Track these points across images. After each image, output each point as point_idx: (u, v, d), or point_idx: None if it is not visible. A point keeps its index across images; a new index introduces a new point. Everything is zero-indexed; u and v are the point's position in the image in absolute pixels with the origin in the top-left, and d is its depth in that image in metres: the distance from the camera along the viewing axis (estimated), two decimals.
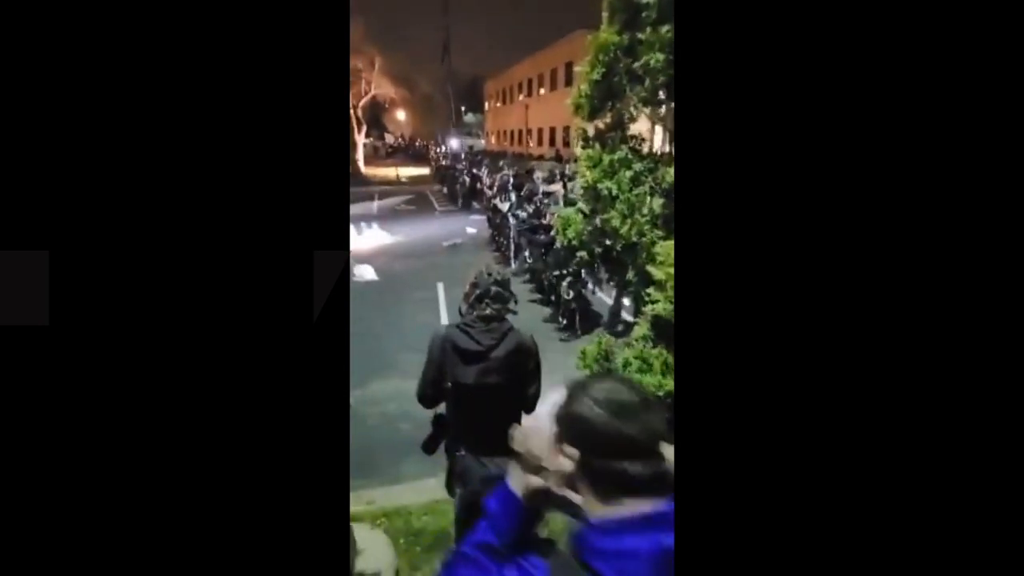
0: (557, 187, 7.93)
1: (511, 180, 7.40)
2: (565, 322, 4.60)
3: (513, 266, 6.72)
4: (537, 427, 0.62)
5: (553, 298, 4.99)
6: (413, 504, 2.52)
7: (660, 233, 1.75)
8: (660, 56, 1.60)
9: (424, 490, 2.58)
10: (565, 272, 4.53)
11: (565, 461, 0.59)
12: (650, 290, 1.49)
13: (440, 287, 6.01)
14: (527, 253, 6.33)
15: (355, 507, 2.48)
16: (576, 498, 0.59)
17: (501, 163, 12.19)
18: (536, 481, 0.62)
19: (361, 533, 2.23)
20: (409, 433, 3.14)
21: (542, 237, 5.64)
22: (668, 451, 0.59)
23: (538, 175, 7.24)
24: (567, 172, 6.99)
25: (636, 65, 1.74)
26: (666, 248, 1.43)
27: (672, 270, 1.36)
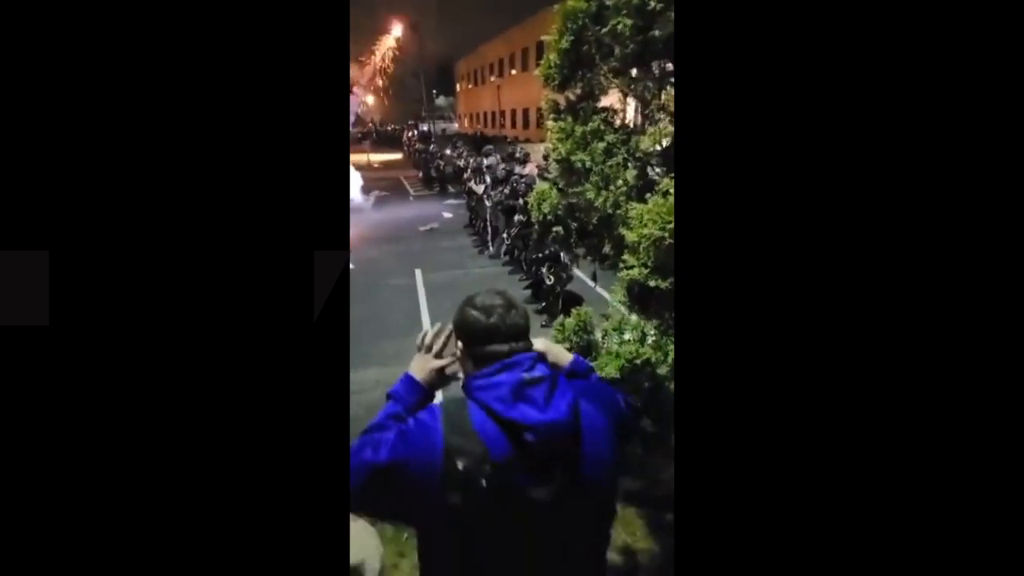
0: (530, 168, 7.85)
1: (484, 162, 7.30)
2: (544, 304, 4.61)
3: (491, 248, 6.68)
4: (438, 330, 0.89)
5: (531, 281, 4.98)
6: None
7: (635, 204, 1.74)
8: (627, 21, 1.57)
9: None
10: (543, 255, 4.51)
11: (454, 350, 0.82)
12: (624, 256, 1.49)
13: (418, 273, 5.93)
14: (505, 235, 6.28)
15: None
16: (460, 372, 0.83)
17: (459, 144, 11.99)
18: (434, 364, 0.86)
19: None
20: None
21: (518, 217, 5.60)
22: (537, 343, 0.81)
23: (493, 158, 7.14)
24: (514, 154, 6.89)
25: (604, 32, 1.70)
26: (639, 211, 1.43)
27: (645, 231, 1.36)
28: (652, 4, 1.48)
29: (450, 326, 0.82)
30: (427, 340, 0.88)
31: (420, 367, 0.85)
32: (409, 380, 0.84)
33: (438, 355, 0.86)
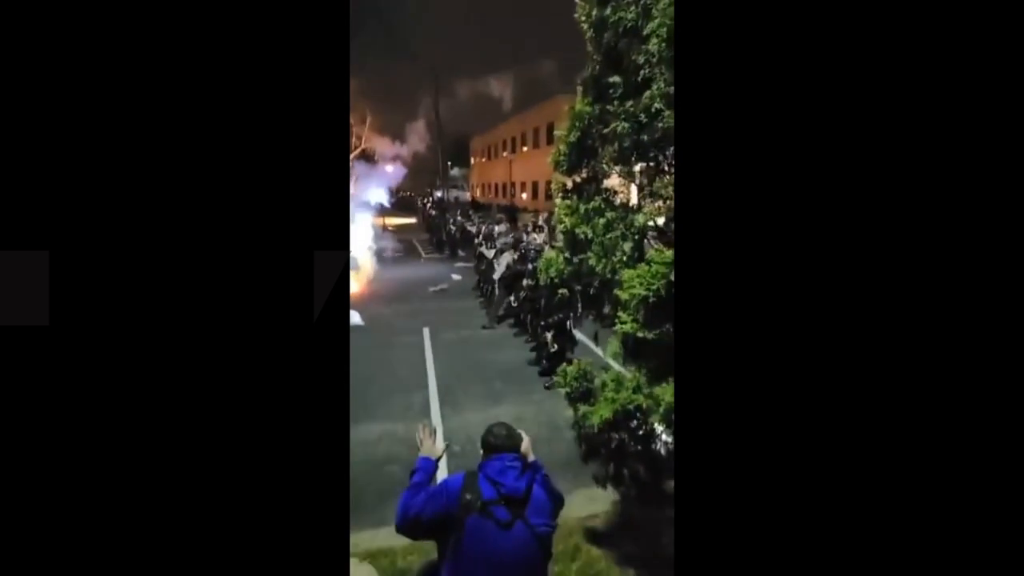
0: (541, 237, 8.31)
1: (495, 229, 7.75)
2: (547, 365, 4.76)
3: (487, 315, 6.90)
4: (424, 428, 1.63)
5: (536, 343, 5.17)
6: (398, 545, 2.53)
7: (628, 270, 1.99)
8: (626, 125, 1.92)
9: None
10: (549, 322, 4.75)
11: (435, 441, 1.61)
12: (619, 313, 1.72)
13: (426, 331, 6.14)
14: (511, 298, 6.54)
15: None
16: (440, 451, 1.60)
17: (471, 214, 12.78)
18: (430, 446, 1.57)
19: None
20: (395, 475, 3.18)
21: (527, 282, 5.89)
22: (525, 442, 1.51)
23: (503, 226, 7.66)
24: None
25: (606, 131, 2.06)
26: (629, 275, 1.67)
27: (634, 291, 1.60)
28: (642, 117, 1.83)
29: (433, 424, 1.56)
30: (420, 436, 1.59)
31: (426, 450, 1.57)
32: (424, 460, 1.54)
33: (431, 442, 1.59)
